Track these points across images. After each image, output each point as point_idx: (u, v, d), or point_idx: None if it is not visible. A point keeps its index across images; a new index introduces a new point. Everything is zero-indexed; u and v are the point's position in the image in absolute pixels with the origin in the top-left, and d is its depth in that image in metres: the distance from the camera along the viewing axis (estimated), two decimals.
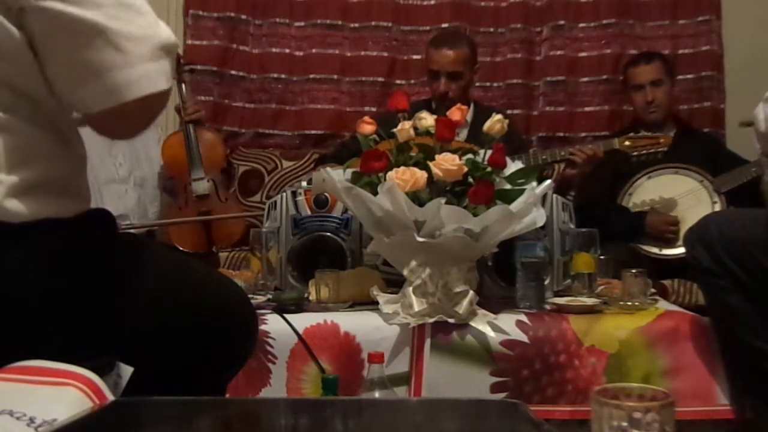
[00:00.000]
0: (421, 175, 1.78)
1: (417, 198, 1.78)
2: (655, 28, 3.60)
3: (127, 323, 1.14)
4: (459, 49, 2.93)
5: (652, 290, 2.10)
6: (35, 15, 0.99)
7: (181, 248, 2.92)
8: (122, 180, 3.01)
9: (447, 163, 1.79)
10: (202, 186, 3.04)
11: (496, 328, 1.82)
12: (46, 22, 0.99)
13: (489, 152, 1.91)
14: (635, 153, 2.67)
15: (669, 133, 2.89)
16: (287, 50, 3.63)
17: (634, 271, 2.03)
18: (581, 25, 3.61)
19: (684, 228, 2.58)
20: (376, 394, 1.49)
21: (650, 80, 3.02)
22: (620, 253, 2.58)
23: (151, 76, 1.03)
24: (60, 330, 1.07)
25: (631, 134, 2.74)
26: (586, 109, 3.61)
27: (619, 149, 2.68)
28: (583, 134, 3.59)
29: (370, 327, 1.85)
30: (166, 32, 1.07)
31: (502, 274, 2.03)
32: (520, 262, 1.93)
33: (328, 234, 2.11)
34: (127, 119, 1.08)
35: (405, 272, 1.81)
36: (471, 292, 1.81)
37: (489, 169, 1.88)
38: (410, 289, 1.80)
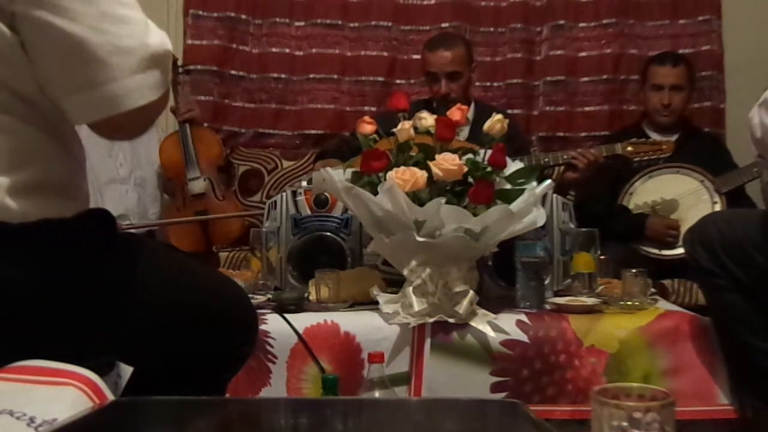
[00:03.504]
0: (421, 175, 1.78)
1: (417, 198, 1.78)
2: (655, 28, 3.60)
3: (127, 323, 1.14)
4: (455, 49, 2.93)
5: (652, 290, 2.10)
6: (24, 22, 0.99)
7: (179, 248, 2.92)
8: (122, 180, 3.02)
9: (447, 162, 1.79)
10: (198, 185, 3.04)
11: (496, 328, 1.82)
12: (34, 31, 0.99)
13: (489, 152, 1.91)
14: (637, 159, 2.67)
15: (673, 137, 2.89)
16: (287, 50, 3.63)
17: (634, 271, 2.03)
18: (581, 24, 3.61)
19: (684, 228, 2.58)
20: (376, 394, 1.49)
21: (672, 84, 2.98)
22: (620, 253, 2.58)
23: (138, 89, 1.02)
24: (60, 330, 1.07)
25: (634, 140, 2.73)
26: (586, 108, 3.61)
27: (621, 154, 2.68)
28: (583, 134, 3.59)
29: (370, 327, 1.85)
30: (157, 40, 1.05)
31: (502, 274, 2.03)
32: (520, 262, 1.93)
33: (328, 234, 2.11)
34: (118, 128, 1.08)
35: (405, 272, 1.81)
36: (471, 292, 1.81)
37: (489, 168, 1.88)
38: (410, 288, 1.80)
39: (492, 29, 3.63)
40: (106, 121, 1.03)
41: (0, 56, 1.00)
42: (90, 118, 1.03)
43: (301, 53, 3.63)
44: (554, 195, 2.09)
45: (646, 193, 2.88)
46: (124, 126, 1.08)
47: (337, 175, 1.88)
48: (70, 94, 1.02)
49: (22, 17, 0.98)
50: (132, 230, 2.65)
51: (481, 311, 1.85)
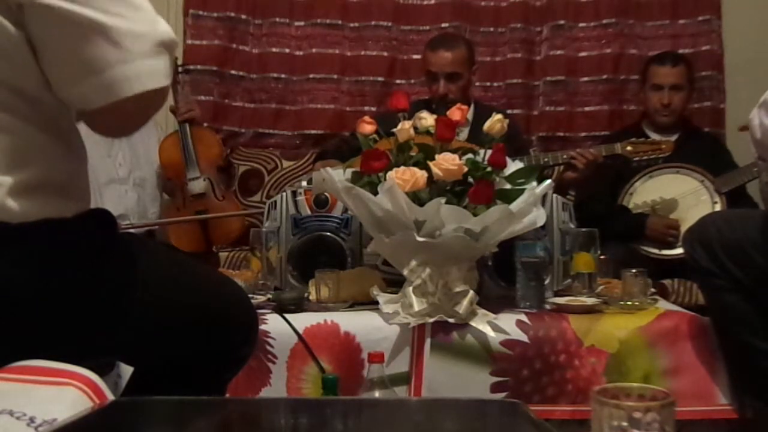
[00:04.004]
0: (421, 175, 1.78)
1: (417, 198, 1.78)
2: (655, 28, 3.60)
3: (127, 323, 1.14)
4: (456, 50, 2.93)
5: (652, 290, 2.10)
6: (34, 11, 0.99)
7: (179, 248, 2.92)
8: (122, 180, 3.02)
9: (447, 162, 1.79)
10: (198, 185, 3.04)
11: (496, 328, 1.82)
12: (44, 19, 0.99)
13: (489, 152, 1.91)
14: (636, 158, 2.68)
15: (672, 137, 2.89)
16: (287, 50, 3.63)
17: (634, 271, 2.03)
18: (581, 24, 3.61)
19: (684, 228, 2.58)
20: (376, 394, 1.49)
21: (671, 83, 2.98)
22: (620, 253, 2.58)
23: (150, 72, 1.02)
24: (60, 330, 1.07)
25: (633, 140, 2.73)
26: (586, 108, 3.61)
27: (620, 154, 2.69)
28: (583, 134, 3.59)
29: (370, 327, 1.85)
30: (165, 29, 1.06)
31: (502, 274, 2.03)
32: (520, 262, 1.93)
33: (328, 234, 2.11)
34: (124, 116, 1.08)
35: (405, 272, 1.81)
36: (471, 292, 1.81)
37: (489, 168, 1.88)
38: (410, 288, 1.80)
39: (492, 29, 3.63)
40: (112, 107, 1.02)
41: (4, 54, 1.01)
42: (102, 100, 1.02)
43: (301, 53, 3.63)
44: (554, 195, 2.09)
45: (646, 193, 2.88)
46: (130, 115, 1.08)
47: (337, 175, 1.88)
48: (81, 78, 1.01)
49: (31, 7, 0.98)
50: (132, 230, 2.65)
51: (481, 311, 1.85)
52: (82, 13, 0.98)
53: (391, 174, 1.78)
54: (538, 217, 1.83)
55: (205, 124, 3.33)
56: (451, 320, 1.81)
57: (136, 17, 1.02)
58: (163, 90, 1.05)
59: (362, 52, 3.63)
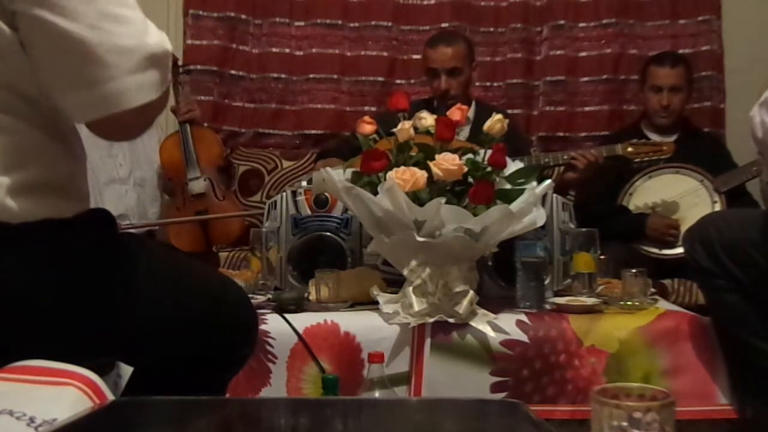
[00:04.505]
0: (421, 175, 1.78)
1: (417, 198, 1.78)
2: (655, 28, 3.60)
3: (127, 323, 1.14)
4: (456, 46, 2.92)
5: (652, 290, 2.10)
6: (25, 20, 0.99)
7: (179, 248, 2.92)
8: (122, 180, 3.02)
9: (447, 162, 1.79)
10: (198, 185, 3.04)
11: (496, 328, 1.82)
12: (33, 30, 0.99)
13: (489, 152, 1.91)
14: (637, 160, 2.68)
15: (671, 137, 2.89)
16: (287, 50, 3.63)
17: (634, 270, 2.03)
18: (581, 24, 3.61)
19: (684, 228, 2.58)
20: (376, 394, 1.49)
21: (670, 85, 2.97)
22: (620, 252, 2.58)
23: (137, 88, 1.02)
24: (60, 330, 1.07)
25: (634, 141, 2.73)
26: (586, 108, 3.61)
27: (621, 155, 2.69)
28: (583, 134, 3.59)
29: (370, 327, 1.85)
30: (156, 40, 1.05)
31: (502, 274, 2.03)
32: (520, 262, 1.93)
33: (328, 234, 2.11)
34: (119, 127, 1.08)
35: (405, 272, 1.81)
36: (471, 292, 1.81)
37: (489, 168, 1.88)
38: (410, 288, 1.80)
39: (492, 29, 3.63)
40: (104, 120, 1.03)
41: (1, 55, 1.01)
42: (88, 117, 1.03)
43: (301, 53, 3.63)
44: (554, 195, 2.09)
45: (645, 193, 2.88)
46: (123, 125, 1.08)
47: (337, 175, 1.89)
48: (68, 92, 1.02)
49: (22, 16, 0.99)
50: (132, 230, 2.65)
51: (481, 311, 1.85)
52: (69, 29, 0.98)
53: (391, 174, 1.78)
54: (538, 217, 1.83)
55: (206, 124, 3.33)
56: (451, 320, 1.81)
57: (124, 32, 1.02)
58: (154, 103, 1.05)
59: (362, 52, 3.63)
